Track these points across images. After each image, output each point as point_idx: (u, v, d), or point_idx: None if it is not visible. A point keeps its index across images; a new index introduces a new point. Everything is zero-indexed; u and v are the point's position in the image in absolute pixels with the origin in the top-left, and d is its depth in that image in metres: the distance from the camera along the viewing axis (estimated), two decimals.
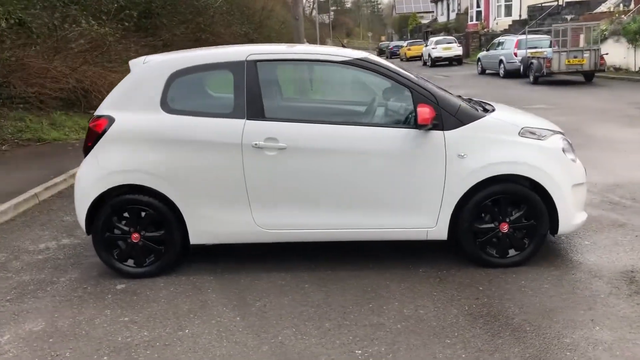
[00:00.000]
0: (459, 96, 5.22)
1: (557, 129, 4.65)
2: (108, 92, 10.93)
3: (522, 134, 4.34)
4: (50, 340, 3.56)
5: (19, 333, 3.66)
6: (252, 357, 3.30)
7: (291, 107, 4.44)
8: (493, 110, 4.63)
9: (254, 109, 4.27)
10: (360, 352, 3.31)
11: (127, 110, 4.35)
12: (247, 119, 4.26)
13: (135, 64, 4.51)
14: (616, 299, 3.81)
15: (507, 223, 4.33)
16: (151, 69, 4.41)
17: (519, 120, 4.49)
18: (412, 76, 4.37)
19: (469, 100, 5.04)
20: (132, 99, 4.36)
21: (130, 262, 4.42)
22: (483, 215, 4.33)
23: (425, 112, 4.06)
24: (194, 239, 4.38)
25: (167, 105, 4.32)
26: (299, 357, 3.28)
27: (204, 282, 4.32)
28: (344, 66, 4.35)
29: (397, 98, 4.44)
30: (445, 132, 4.24)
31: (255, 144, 4.21)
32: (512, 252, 4.39)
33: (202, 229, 4.35)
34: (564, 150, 4.38)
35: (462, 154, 4.23)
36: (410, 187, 4.26)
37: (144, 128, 4.30)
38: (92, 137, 4.36)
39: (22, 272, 4.66)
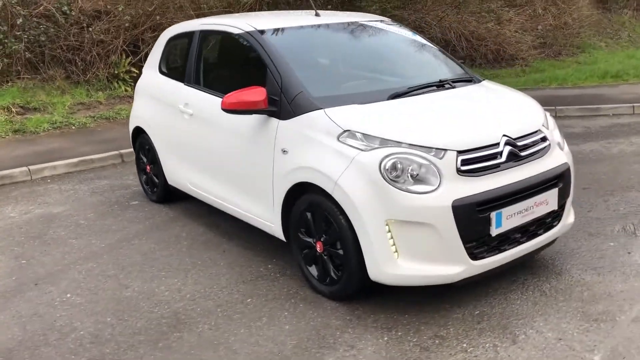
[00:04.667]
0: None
1: (437, 144, 3.23)
2: (468, 41, 11.52)
3: (342, 138, 3.37)
4: (26, 216, 5.34)
5: (30, 211, 5.50)
6: (99, 257, 4.33)
7: (214, 77, 4.58)
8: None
9: (190, 75, 4.75)
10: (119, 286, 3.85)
11: (149, 68, 5.49)
12: (185, 83, 4.78)
13: None
14: None
15: (322, 243, 3.55)
16: (163, 34, 5.37)
17: (363, 118, 3.42)
18: (278, 54, 3.89)
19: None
20: (151, 60, 5.47)
21: (148, 187, 5.69)
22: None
23: (230, 96, 3.72)
24: (168, 180, 5.27)
25: (160, 67, 5.26)
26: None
27: (176, 216, 5.17)
28: (240, 39, 4.25)
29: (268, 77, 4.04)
30: (280, 121, 3.74)
31: (179, 108, 4.74)
32: (329, 279, 3.58)
33: (168, 173, 5.20)
34: (387, 170, 3.15)
35: (285, 150, 3.67)
36: (253, 174, 4.01)
37: (147, 84, 5.39)
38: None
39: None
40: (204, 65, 4.67)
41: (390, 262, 3.19)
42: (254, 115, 3.86)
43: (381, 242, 3.18)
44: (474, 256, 3.26)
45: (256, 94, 3.72)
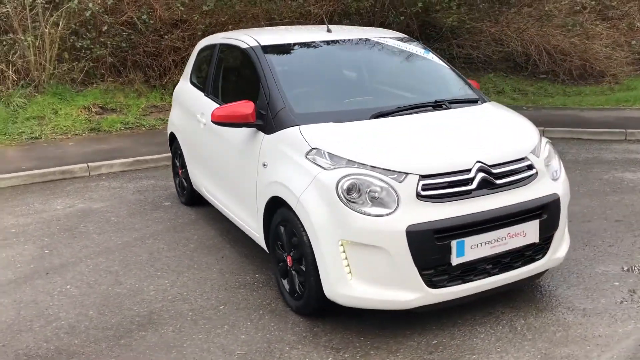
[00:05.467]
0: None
1: (398, 167, 3.17)
2: (551, 56, 11.00)
3: (309, 155, 3.39)
4: (69, 209, 5.78)
5: (74, 205, 5.96)
6: (111, 253, 4.67)
7: (225, 88, 4.71)
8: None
9: (210, 86, 4.96)
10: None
11: (183, 78, 5.77)
12: (205, 94, 5.00)
13: None
14: None
15: (291, 257, 3.59)
16: (196, 46, 5.61)
17: (332, 137, 3.43)
18: (269, 69, 3.98)
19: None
20: (186, 70, 5.74)
21: (180, 190, 5.97)
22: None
23: (219, 109, 3.86)
24: (193, 184, 5.51)
25: (191, 77, 5.51)
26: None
27: (196, 219, 5.40)
28: (245, 53, 4.38)
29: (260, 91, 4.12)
30: (265, 135, 3.83)
31: (197, 117, 4.96)
32: (296, 294, 3.61)
33: (192, 178, 5.45)
34: (344, 190, 3.13)
35: (265, 163, 3.76)
36: (243, 185, 4.13)
37: (179, 93, 5.67)
38: None
39: None
40: (218, 77, 4.85)
41: (343, 282, 3.18)
42: (245, 129, 3.98)
43: (335, 262, 3.17)
44: (432, 284, 3.16)
45: (244, 107, 3.83)
